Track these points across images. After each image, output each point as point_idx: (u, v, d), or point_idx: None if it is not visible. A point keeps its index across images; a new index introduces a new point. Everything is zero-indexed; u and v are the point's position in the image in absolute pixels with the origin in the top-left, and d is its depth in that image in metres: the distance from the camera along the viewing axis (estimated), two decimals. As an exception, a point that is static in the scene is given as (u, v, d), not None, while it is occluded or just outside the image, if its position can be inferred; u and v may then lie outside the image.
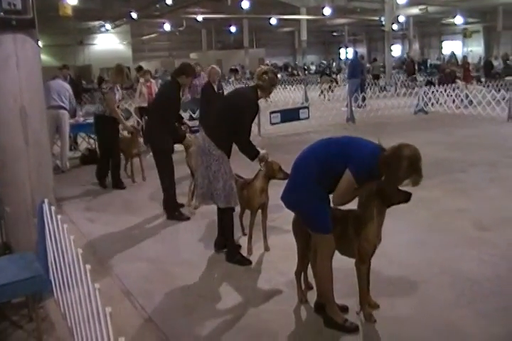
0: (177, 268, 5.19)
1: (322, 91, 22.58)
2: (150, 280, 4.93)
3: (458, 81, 19.24)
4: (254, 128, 13.77)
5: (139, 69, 18.06)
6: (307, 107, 14.87)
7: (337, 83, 24.45)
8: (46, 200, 4.37)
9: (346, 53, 47.19)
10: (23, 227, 4.54)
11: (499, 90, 17.06)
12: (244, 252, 5.40)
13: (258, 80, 5.17)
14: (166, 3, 26.25)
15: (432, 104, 17.48)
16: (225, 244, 5.46)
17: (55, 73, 11.22)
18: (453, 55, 30.34)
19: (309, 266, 4.23)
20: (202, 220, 6.66)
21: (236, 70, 37.61)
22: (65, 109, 9.91)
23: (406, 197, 3.86)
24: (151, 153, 7.13)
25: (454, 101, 17.30)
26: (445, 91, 17.52)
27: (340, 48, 53.16)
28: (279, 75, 35.38)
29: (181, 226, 6.55)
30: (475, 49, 42.52)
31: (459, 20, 33.74)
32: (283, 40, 52.28)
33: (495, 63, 25.09)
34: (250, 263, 5.21)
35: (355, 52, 21.69)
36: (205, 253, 5.55)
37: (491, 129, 13.31)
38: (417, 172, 3.65)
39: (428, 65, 32.04)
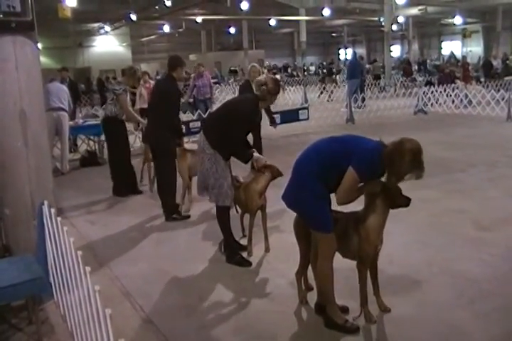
0: (177, 270, 5.19)
1: (327, 92, 22.44)
2: (150, 282, 4.93)
3: (457, 81, 19.26)
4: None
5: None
6: (307, 108, 14.87)
7: (336, 84, 24.44)
8: (46, 202, 4.38)
9: (346, 54, 47.25)
10: (22, 229, 4.54)
11: (498, 90, 17.07)
12: (244, 253, 5.40)
13: (257, 91, 5.18)
14: (165, 5, 26.27)
15: (432, 105, 17.49)
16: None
17: (54, 75, 11.23)
18: (452, 55, 30.39)
19: (310, 267, 4.23)
20: (201, 221, 6.67)
21: (235, 71, 37.66)
22: (64, 110, 9.90)
23: (406, 202, 3.93)
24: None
25: (453, 101, 17.31)
26: (445, 91, 17.53)
27: (339, 49, 53.21)
28: (278, 76, 35.55)
29: (181, 227, 6.55)
30: (474, 49, 42.54)
31: (458, 20, 33.80)
32: (282, 41, 52.32)
33: (494, 63, 25.10)
34: (250, 264, 5.21)
35: (355, 53, 21.74)
36: (205, 254, 5.55)
37: (490, 129, 13.31)
38: (420, 165, 3.70)
39: (427, 65, 32.04)
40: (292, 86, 26.81)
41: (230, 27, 41.26)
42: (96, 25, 37.21)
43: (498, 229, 5.96)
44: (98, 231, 6.51)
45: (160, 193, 6.87)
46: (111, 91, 8.14)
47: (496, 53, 32.24)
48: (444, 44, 48.41)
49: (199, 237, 6.11)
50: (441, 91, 17.61)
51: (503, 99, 15.34)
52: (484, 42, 42.81)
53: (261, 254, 5.46)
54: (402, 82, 25.12)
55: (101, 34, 39.60)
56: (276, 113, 13.50)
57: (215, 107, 11.90)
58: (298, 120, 13.97)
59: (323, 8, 31.04)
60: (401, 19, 36.27)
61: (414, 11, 34.16)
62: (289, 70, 39.47)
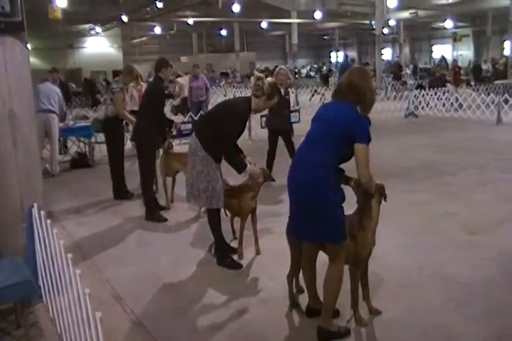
0: (167, 272, 5.17)
1: (319, 94, 22.41)
2: (140, 284, 4.90)
3: (448, 84, 19.35)
4: (244, 131, 13.71)
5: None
6: (298, 111, 14.86)
7: (327, 87, 24.48)
8: (35, 205, 4.35)
9: (337, 57, 47.37)
10: (11, 232, 4.49)
11: (488, 94, 17.17)
12: (235, 255, 5.38)
13: (253, 95, 5.16)
14: (157, 7, 26.23)
15: (423, 108, 17.57)
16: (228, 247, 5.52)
17: (44, 76, 11.16)
18: (443, 58, 30.47)
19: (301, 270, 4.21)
20: (192, 223, 6.65)
21: (227, 74, 37.61)
22: (54, 112, 9.82)
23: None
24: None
25: (444, 104, 17.40)
26: (435, 94, 17.62)
27: (330, 52, 53.34)
28: (269, 79, 35.54)
29: (172, 229, 6.53)
30: (465, 53, 42.76)
31: (448, 24, 33.99)
32: (274, 44, 52.35)
33: (483, 67, 25.26)
34: (240, 267, 5.19)
35: (346, 56, 21.80)
36: (196, 257, 5.53)
37: (480, 133, 13.38)
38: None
39: (418, 69, 32.19)
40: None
41: (221, 29, 41.27)
42: (87, 26, 37.06)
43: (489, 232, 5.98)
44: (88, 234, 6.47)
45: (142, 190, 7.05)
46: (110, 91, 8.12)
47: (486, 57, 32.47)
48: (434, 47, 48.65)
49: (190, 240, 6.08)
50: (431, 95, 17.69)
51: (492, 102, 15.44)
52: (474, 46, 43.08)
53: (252, 257, 5.44)
54: (393, 85, 25.19)
55: (92, 35, 39.45)
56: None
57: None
58: (289, 122, 13.92)
59: (314, 11, 31.09)
60: (392, 22, 36.39)
61: (405, 14, 34.31)
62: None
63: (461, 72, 21.93)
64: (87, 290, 2.81)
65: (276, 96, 5.22)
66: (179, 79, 15.43)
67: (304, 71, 41.04)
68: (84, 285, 2.90)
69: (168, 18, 32.92)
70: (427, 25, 43.63)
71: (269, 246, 5.56)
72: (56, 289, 3.77)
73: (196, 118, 12.22)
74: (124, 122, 8.12)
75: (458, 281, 4.70)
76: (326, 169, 3.63)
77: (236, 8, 28.43)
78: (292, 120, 13.98)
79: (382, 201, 3.96)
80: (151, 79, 23.29)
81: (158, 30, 36.49)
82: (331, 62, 48.76)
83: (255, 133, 13.40)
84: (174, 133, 11.33)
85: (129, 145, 10.25)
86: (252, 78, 5.28)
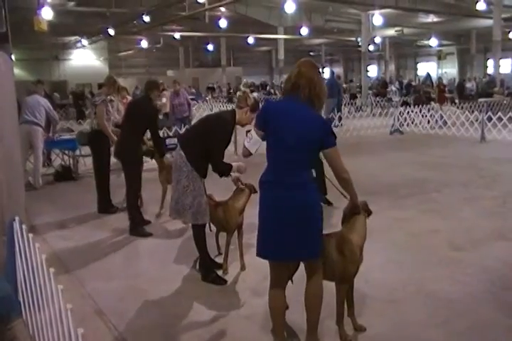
0: (151, 287, 5.11)
1: None
2: (123, 300, 4.84)
3: (432, 102, 19.55)
4: (230, 146, 13.73)
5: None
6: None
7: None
8: (17, 218, 4.28)
9: (323, 73, 47.62)
10: (-8, 246, 4.42)
11: (472, 111, 17.36)
12: (219, 271, 5.34)
13: (237, 107, 5.23)
14: (144, 21, 26.24)
15: (408, 125, 17.71)
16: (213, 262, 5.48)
17: (29, 88, 11.06)
18: (428, 76, 30.82)
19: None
20: (177, 238, 6.60)
21: (213, 88, 37.69)
22: (37, 124, 9.72)
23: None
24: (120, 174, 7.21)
25: (428, 121, 17.55)
26: (420, 111, 17.77)
27: (317, 68, 53.64)
28: (255, 94, 35.64)
29: (156, 244, 6.48)
30: (449, 71, 43.29)
31: (433, 42, 34.39)
32: (260, 59, 52.60)
33: (468, 85, 25.57)
34: (225, 282, 5.15)
35: (332, 72, 21.93)
36: (181, 272, 5.48)
37: (464, 150, 13.50)
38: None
39: (403, 86, 32.50)
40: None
41: (208, 44, 41.35)
42: (73, 38, 36.94)
43: (472, 249, 6.00)
44: (71, 248, 6.40)
45: (128, 206, 7.01)
46: (93, 104, 8.09)
47: (470, 75, 32.90)
48: (419, 65, 49.16)
49: (174, 254, 6.03)
50: (416, 112, 17.84)
51: (476, 120, 15.61)
52: (459, 64, 43.60)
53: (237, 272, 5.41)
54: (378, 102, 25.40)
55: (78, 47, 39.33)
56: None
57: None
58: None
59: (301, 27, 31.28)
60: (378, 40, 36.76)
61: (391, 32, 34.69)
62: (268, 88, 39.62)
63: (446, 89, 22.19)
64: (68, 305, 2.76)
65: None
66: (165, 93, 15.43)
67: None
68: (66, 301, 2.86)
69: (155, 32, 32.97)
70: (412, 42, 44.15)
71: (255, 262, 5.50)
72: (37, 304, 3.70)
73: (181, 131, 12.17)
74: None
75: (442, 298, 4.70)
76: (310, 185, 3.60)
77: (223, 23, 28.52)
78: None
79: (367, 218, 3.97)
80: (137, 92, 23.40)
81: (144, 43, 36.44)
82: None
83: (241, 148, 13.36)
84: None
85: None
86: (237, 98, 5.34)
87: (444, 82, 26.92)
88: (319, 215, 3.64)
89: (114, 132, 7.73)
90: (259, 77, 47.17)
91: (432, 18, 31.44)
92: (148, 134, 7.15)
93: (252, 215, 6.28)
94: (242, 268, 5.47)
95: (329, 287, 3.92)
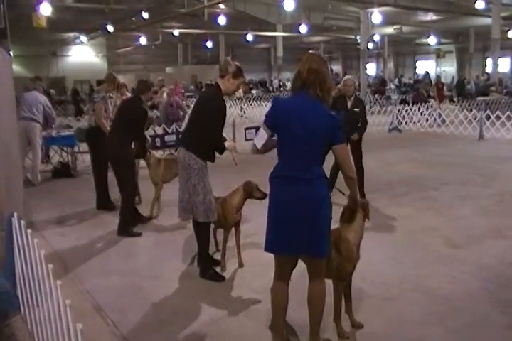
0: (150, 284, 5.13)
1: None
2: (122, 296, 4.86)
3: (431, 100, 19.56)
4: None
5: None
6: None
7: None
8: (15, 214, 4.28)
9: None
10: (-10, 241, 4.43)
11: (471, 110, 17.39)
12: (217, 268, 5.36)
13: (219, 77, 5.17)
14: (143, 17, 26.20)
15: (406, 123, 17.72)
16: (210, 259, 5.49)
17: (27, 84, 11.06)
18: (427, 74, 30.83)
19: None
20: (176, 235, 6.61)
21: (212, 85, 37.60)
22: (35, 121, 9.71)
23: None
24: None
25: (427, 120, 17.57)
26: (419, 110, 17.79)
27: (315, 65, 53.62)
28: (254, 91, 35.53)
29: (154, 240, 6.49)
30: (448, 69, 43.30)
31: (432, 40, 34.39)
32: (259, 57, 52.52)
33: (468, 86, 25.62)
34: (224, 279, 5.17)
35: (331, 70, 21.88)
36: (179, 269, 5.50)
37: (462, 148, 13.53)
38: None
39: (402, 84, 32.53)
40: (268, 101, 26.93)
41: (206, 41, 41.28)
42: (71, 34, 36.85)
43: (469, 246, 6.03)
44: (70, 244, 6.41)
45: (122, 206, 6.88)
46: (91, 101, 8.08)
47: (469, 76, 32.95)
48: (418, 63, 49.15)
49: (172, 251, 6.04)
50: (415, 110, 17.86)
51: (475, 118, 15.63)
52: (457, 63, 43.61)
53: (235, 269, 5.42)
54: (377, 99, 25.40)
55: (76, 44, 39.25)
56: (252, 128, 13.56)
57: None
58: (274, 135, 13.99)
59: (300, 24, 31.26)
60: (377, 38, 36.73)
61: (390, 30, 34.69)
62: (267, 85, 39.64)
63: (444, 88, 22.19)
64: (67, 301, 2.76)
65: (242, 77, 5.18)
66: (165, 89, 15.39)
67: (288, 84, 41.16)
68: (65, 296, 2.86)
69: (153, 28, 32.91)
70: (411, 41, 44.10)
71: (253, 259, 5.54)
72: (35, 300, 3.71)
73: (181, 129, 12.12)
74: None
75: (439, 295, 4.72)
76: (321, 180, 3.58)
77: (222, 20, 28.50)
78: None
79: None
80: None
81: (143, 40, 36.36)
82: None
83: (239, 145, 13.37)
84: (158, 144, 11.35)
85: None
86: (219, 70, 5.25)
87: (443, 80, 26.90)
88: (328, 212, 3.63)
89: None
90: (257, 75, 47.13)
91: (430, 17, 31.42)
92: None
93: (253, 214, 6.32)
94: (240, 265, 5.49)
95: (327, 284, 3.93)
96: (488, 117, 15.29)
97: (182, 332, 4.17)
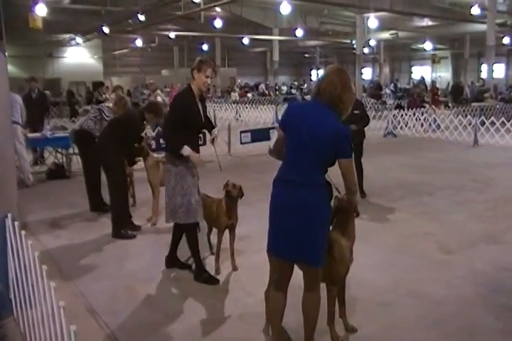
0: (143, 286, 5.11)
1: None
2: (115, 298, 4.84)
3: (426, 105, 19.62)
4: (224, 147, 13.74)
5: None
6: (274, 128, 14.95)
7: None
8: (9, 215, 4.26)
9: (317, 75, 47.73)
10: (-17, 242, 4.40)
11: (466, 116, 17.45)
12: (211, 271, 5.35)
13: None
14: (139, 19, 26.22)
15: (401, 128, 17.77)
16: (176, 260, 5.56)
17: (21, 85, 11.04)
18: (422, 79, 30.93)
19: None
20: (169, 237, 6.58)
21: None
22: (15, 122, 9.62)
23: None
24: None
25: (422, 125, 17.62)
26: (414, 115, 17.84)
27: (311, 70, 53.82)
28: (249, 95, 35.53)
29: (148, 243, 6.48)
30: (443, 74, 43.51)
31: (428, 46, 34.54)
32: (255, 60, 52.61)
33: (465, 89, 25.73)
34: (218, 282, 5.16)
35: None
36: (172, 271, 5.49)
37: (457, 154, 13.57)
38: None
39: (398, 89, 32.62)
40: (264, 105, 26.96)
41: (203, 44, 41.36)
42: (67, 36, 36.79)
43: (463, 251, 6.04)
44: (63, 246, 6.39)
45: (111, 207, 6.87)
46: (98, 110, 8.04)
47: (464, 80, 33.10)
48: (414, 68, 49.34)
49: (167, 253, 6.02)
50: (410, 115, 17.91)
51: (470, 124, 15.69)
52: (453, 69, 43.82)
53: (229, 273, 5.42)
54: (372, 104, 25.47)
55: (72, 45, 39.18)
56: (247, 131, 13.59)
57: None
58: (269, 139, 13.99)
59: (296, 28, 31.37)
60: (373, 42, 36.89)
61: (386, 35, 34.80)
62: (262, 89, 39.68)
63: (439, 93, 22.27)
64: (61, 303, 2.75)
65: (207, 67, 5.27)
66: (159, 92, 15.41)
67: (284, 88, 41.25)
68: (58, 298, 2.85)
69: (149, 31, 32.94)
70: (407, 46, 44.30)
71: (246, 263, 5.53)
72: (28, 302, 3.69)
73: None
74: None
75: (432, 300, 4.73)
76: (321, 187, 3.54)
77: (218, 23, 28.57)
78: (272, 137, 14.15)
79: (360, 220, 3.98)
80: (137, 93, 23.28)
81: (139, 42, 36.39)
82: (311, 80, 49.18)
83: (234, 148, 13.42)
84: (154, 146, 11.34)
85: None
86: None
87: (438, 85, 27.01)
88: (325, 219, 3.60)
89: None
90: (253, 78, 47.21)
91: (426, 22, 31.57)
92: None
93: (248, 218, 6.32)
94: (234, 268, 5.48)
95: (321, 287, 3.93)
96: (482, 123, 15.34)
97: (175, 335, 4.16)
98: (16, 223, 4.07)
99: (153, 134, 12.26)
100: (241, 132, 13.44)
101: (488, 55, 25.01)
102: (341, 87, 3.55)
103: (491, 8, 24.40)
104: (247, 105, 26.16)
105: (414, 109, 18.23)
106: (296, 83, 45.19)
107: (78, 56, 40.66)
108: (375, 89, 29.70)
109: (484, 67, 33.25)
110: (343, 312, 4.15)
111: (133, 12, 26.08)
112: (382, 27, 29.85)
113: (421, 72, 44.68)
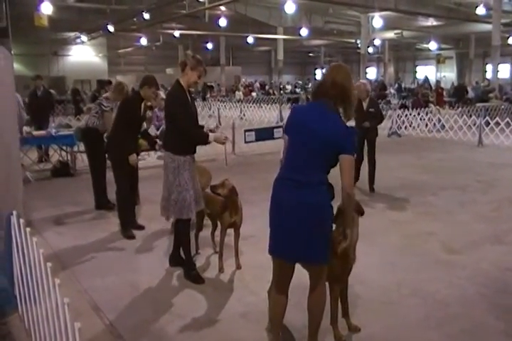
0: (147, 284, 5.12)
1: None
2: (119, 296, 4.85)
3: (431, 105, 19.58)
4: (228, 145, 13.72)
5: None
6: (282, 127, 14.93)
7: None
8: (15, 213, 4.28)
9: (322, 74, 47.71)
10: (-12, 239, 4.42)
11: (470, 116, 17.42)
12: (215, 269, 5.38)
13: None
14: (144, 18, 26.26)
15: (406, 128, 17.74)
16: (180, 259, 5.51)
17: (27, 83, 11.07)
18: (427, 79, 30.88)
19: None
20: (172, 237, 6.59)
21: (212, 87, 37.67)
22: None
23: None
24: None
25: (426, 125, 17.58)
26: (418, 115, 17.81)
27: (316, 69, 53.81)
28: (254, 93, 35.50)
29: (152, 241, 6.48)
30: (448, 74, 43.40)
31: (433, 46, 34.49)
32: (259, 59, 52.61)
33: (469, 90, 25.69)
34: (203, 282, 5.14)
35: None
36: (177, 269, 5.49)
37: (462, 154, 13.54)
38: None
39: (402, 88, 32.58)
40: (268, 104, 26.94)
41: (207, 42, 41.38)
42: (72, 34, 36.85)
43: (467, 252, 6.03)
44: (68, 243, 6.40)
45: (117, 207, 6.91)
46: (97, 104, 8.04)
47: (468, 80, 33.04)
48: (418, 68, 49.27)
49: (170, 252, 6.03)
50: (414, 115, 17.88)
51: (474, 124, 15.66)
52: (457, 69, 43.73)
53: (233, 271, 5.42)
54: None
55: (77, 43, 39.24)
56: (251, 130, 13.58)
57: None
58: (273, 138, 14.01)
59: (300, 27, 31.37)
60: (377, 42, 36.88)
61: (391, 34, 34.78)
62: (266, 88, 39.71)
63: (444, 93, 22.22)
64: (66, 299, 2.76)
65: (201, 67, 5.31)
66: (160, 92, 15.35)
67: (288, 87, 41.25)
68: (62, 295, 2.86)
69: (154, 29, 32.99)
70: (411, 46, 44.26)
71: (250, 261, 5.54)
72: (33, 299, 3.71)
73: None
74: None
75: (436, 300, 4.72)
76: (322, 186, 3.53)
77: (223, 22, 28.58)
78: (276, 136, 14.15)
79: (364, 220, 3.97)
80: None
81: (144, 41, 36.40)
82: (315, 80, 49.17)
83: (239, 147, 13.41)
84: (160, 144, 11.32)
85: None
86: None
87: (443, 85, 26.94)
88: (327, 218, 3.59)
89: None
90: (258, 77, 47.20)
91: (431, 22, 31.55)
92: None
93: (252, 217, 6.33)
94: (238, 267, 5.48)
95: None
96: (487, 123, 15.31)
97: (178, 333, 4.17)
98: (21, 220, 4.09)
99: (157, 132, 12.28)
100: (245, 131, 13.42)
101: (493, 55, 24.97)
102: (351, 92, 3.58)
103: (496, 8, 24.37)
104: (251, 104, 26.15)
105: (418, 109, 18.20)
106: (300, 82, 45.17)
107: (83, 54, 40.71)
108: (379, 89, 29.63)
109: (489, 67, 33.22)
110: (347, 312, 4.16)
111: (138, 10, 26.14)
112: (387, 26, 29.81)
113: (425, 71, 44.61)
